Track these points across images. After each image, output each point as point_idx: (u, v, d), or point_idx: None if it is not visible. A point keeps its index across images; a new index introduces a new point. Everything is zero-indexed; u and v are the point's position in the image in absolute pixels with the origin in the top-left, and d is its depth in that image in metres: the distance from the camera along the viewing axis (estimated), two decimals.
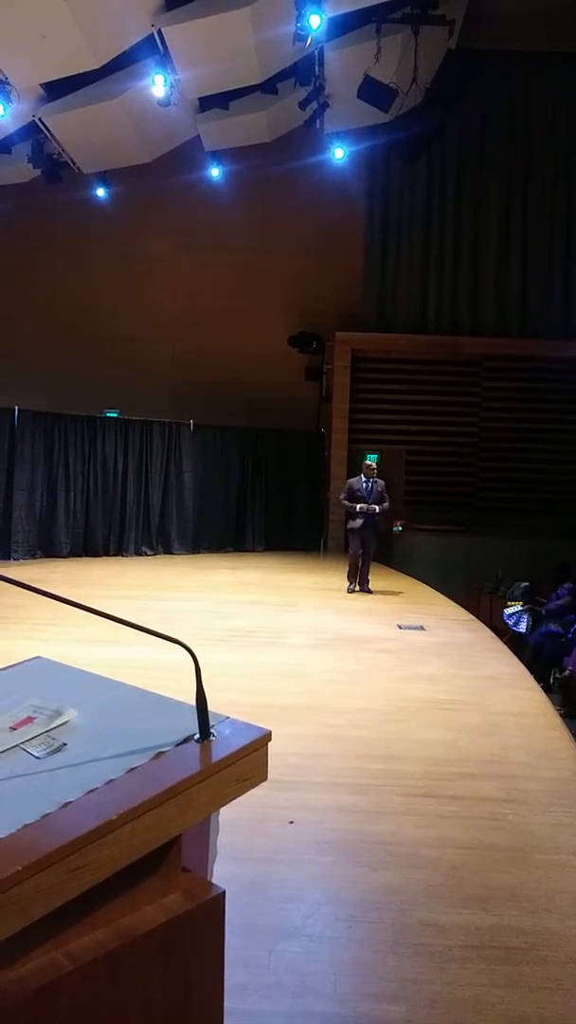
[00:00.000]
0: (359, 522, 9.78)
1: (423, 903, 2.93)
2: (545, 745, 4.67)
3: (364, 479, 9.79)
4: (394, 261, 14.72)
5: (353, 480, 9.95)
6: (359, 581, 9.82)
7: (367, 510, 9.69)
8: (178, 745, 1.61)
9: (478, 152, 14.41)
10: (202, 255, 14.45)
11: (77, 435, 12.32)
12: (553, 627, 9.79)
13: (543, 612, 10.25)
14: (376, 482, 9.80)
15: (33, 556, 11.76)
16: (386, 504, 9.86)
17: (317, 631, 7.61)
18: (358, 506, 9.71)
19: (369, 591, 9.77)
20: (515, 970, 2.56)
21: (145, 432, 12.94)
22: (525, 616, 10.33)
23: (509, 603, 11.63)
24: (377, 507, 9.73)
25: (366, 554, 9.79)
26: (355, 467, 14.14)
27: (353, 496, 9.79)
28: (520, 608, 10.40)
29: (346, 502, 9.90)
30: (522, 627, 10.20)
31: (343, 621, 8.04)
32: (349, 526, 10.09)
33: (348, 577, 9.96)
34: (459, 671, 6.31)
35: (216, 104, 11.73)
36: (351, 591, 9.76)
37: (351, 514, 9.94)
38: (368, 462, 10.00)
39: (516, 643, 9.65)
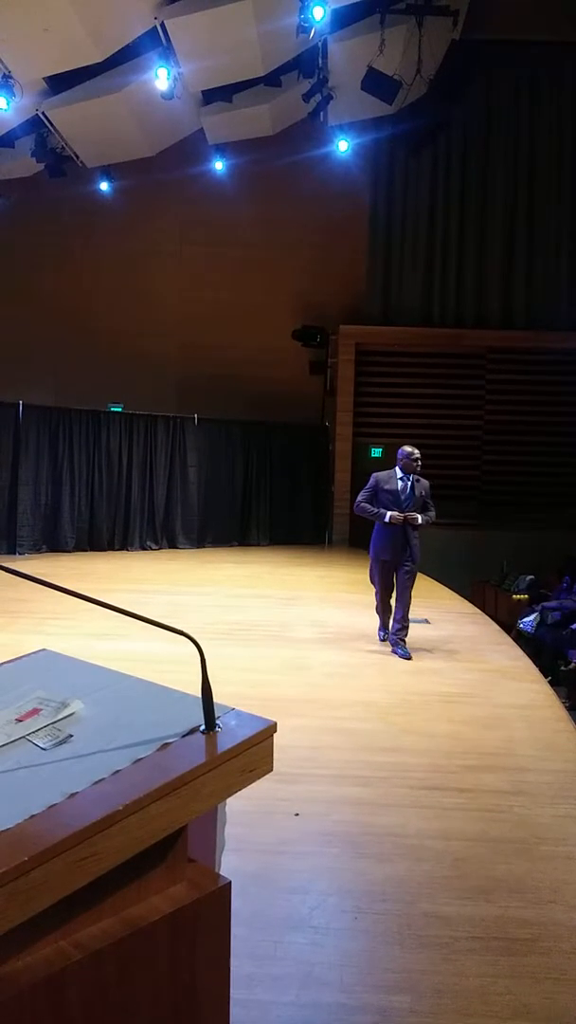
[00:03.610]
0: (387, 542, 6.53)
1: (428, 895, 2.93)
2: (550, 737, 4.67)
3: (400, 474, 6.54)
4: (398, 253, 14.68)
5: (382, 475, 6.61)
6: (395, 622, 6.59)
7: (400, 519, 6.40)
8: (184, 736, 1.62)
9: (482, 143, 14.34)
10: (206, 249, 14.43)
11: (82, 430, 12.33)
12: (555, 612, 9.75)
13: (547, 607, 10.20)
14: (419, 481, 6.56)
15: (38, 551, 11.78)
16: (431, 514, 6.58)
17: (322, 625, 7.62)
18: (388, 514, 6.41)
19: (404, 651, 6.40)
20: (520, 961, 2.57)
21: (150, 426, 12.94)
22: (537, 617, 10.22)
23: (514, 596, 11.63)
24: (419, 516, 6.46)
25: (402, 596, 6.55)
26: (360, 461, 14.15)
27: (377, 498, 6.55)
28: (535, 616, 10.21)
29: (367, 506, 6.55)
30: (531, 628, 10.10)
31: (348, 615, 8.04)
32: (374, 555, 6.71)
33: (380, 627, 6.93)
34: (464, 664, 6.31)
35: (219, 97, 11.71)
36: (383, 638, 6.85)
37: (375, 513, 6.56)
38: (408, 449, 6.53)
39: (522, 638, 9.65)
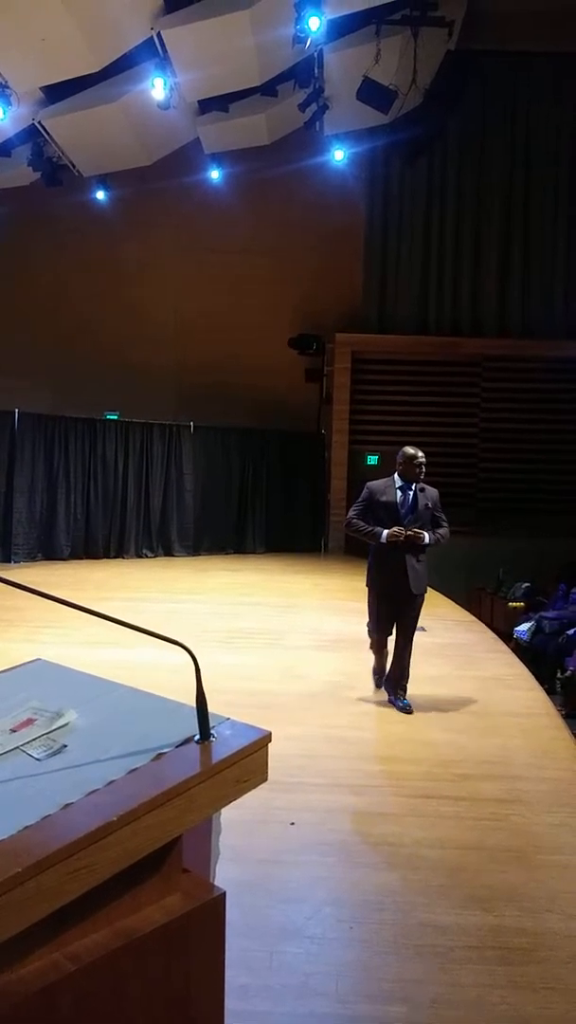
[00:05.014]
0: (382, 568, 5.29)
1: (424, 904, 2.93)
2: (547, 746, 4.67)
3: (400, 482, 5.26)
4: (394, 262, 14.72)
5: (376, 484, 5.36)
6: (391, 678, 5.42)
7: (401, 537, 5.11)
8: (178, 746, 1.61)
9: (478, 153, 14.40)
10: (202, 257, 14.46)
11: (78, 437, 12.33)
12: (552, 621, 9.74)
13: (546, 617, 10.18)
14: (423, 490, 5.28)
15: (33, 559, 11.76)
16: (443, 531, 5.29)
17: (318, 632, 7.61)
18: (384, 532, 5.14)
19: (404, 703, 5.28)
20: (517, 970, 2.56)
21: (146, 434, 12.95)
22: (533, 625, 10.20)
23: (511, 604, 11.63)
24: (426, 535, 5.17)
25: (402, 635, 5.33)
26: (356, 468, 14.15)
27: (372, 510, 5.30)
28: (531, 624, 10.18)
29: (358, 523, 5.29)
30: (526, 636, 10.09)
31: (344, 622, 8.03)
32: (369, 582, 5.42)
33: (374, 669, 5.67)
34: (460, 672, 6.31)
35: (216, 107, 11.74)
36: (378, 684, 5.63)
37: (367, 532, 5.26)
38: (410, 451, 5.23)
39: (519, 647, 9.65)
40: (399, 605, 5.28)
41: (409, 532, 5.12)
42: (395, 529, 5.13)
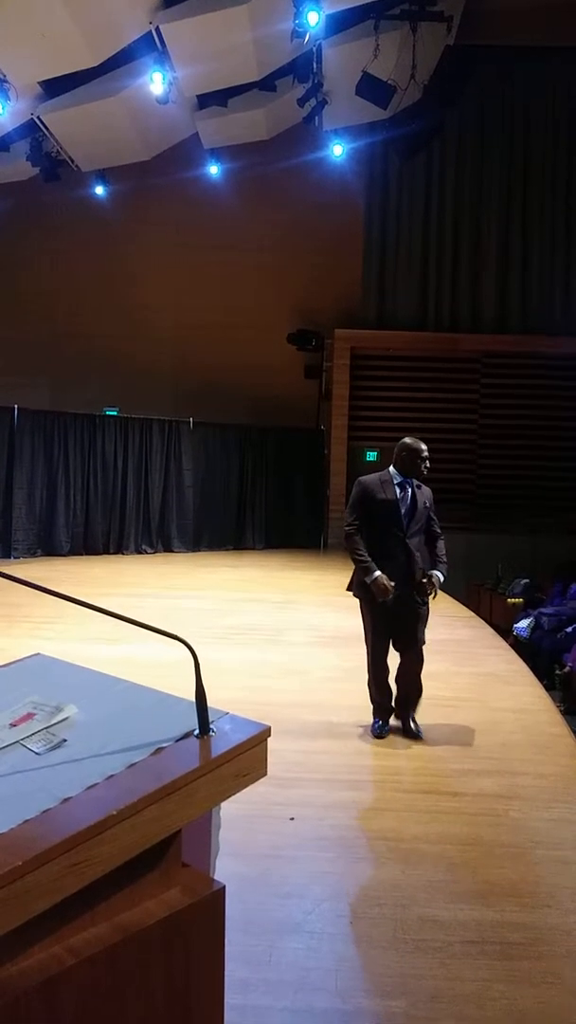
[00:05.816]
0: (386, 568, 4.41)
1: (424, 899, 2.93)
2: (545, 741, 4.67)
3: (399, 477, 4.55)
4: (393, 258, 14.71)
5: (370, 479, 4.59)
6: (400, 699, 4.69)
7: (387, 592, 4.35)
8: (178, 741, 1.61)
9: (477, 148, 14.40)
10: (201, 252, 14.44)
11: (77, 434, 12.33)
12: (552, 618, 9.74)
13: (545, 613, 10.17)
14: (421, 487, 4.63)
15: (33, 555, 11.76)
16: (443, 555, 4.67)
17: (317, 629, 7.62)
18: (376, 574, 4.36)
19: (414, 730, 4.57)
20: (516, 965, 2.56)
21: (145, 430, 12.94)
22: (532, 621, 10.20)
23: (509, 600, 11.63)
24: (437, 573, 4.58)
25: (407, 667, 4.64)
26: (355, 465, 14.14)
27: (365, 507, 4.52)
28: (530, 620, 10.18)
29: (358, 547, 4.47)
30: (525, 632, 10.08)
31: (343, 618, 8.02)
32: (378, 581, 4.38)
33: (374, 705, 4.68)
34: (459, 668, 6.31)
35: (214, 101, 11.73)
36: (379, 733, 4.57)
37: (361, 562, 4.44)
38: (411, 443, 4.53)
39: (518, 643, 9.65)
40: (401, 629, 4.55)
41: (422, 580, 4.46)
42: (384, 581, 4.33)
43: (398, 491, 4.53)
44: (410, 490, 4.56)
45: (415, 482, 4.58)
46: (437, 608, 8.71)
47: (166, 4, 9.16)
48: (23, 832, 1.35)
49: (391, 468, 4.59)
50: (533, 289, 14.58)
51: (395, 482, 4.54)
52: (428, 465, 4.54)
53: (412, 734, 4.55)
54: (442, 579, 4.57)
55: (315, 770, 4.09)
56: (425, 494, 4.63)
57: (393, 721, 4.70)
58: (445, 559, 4.65)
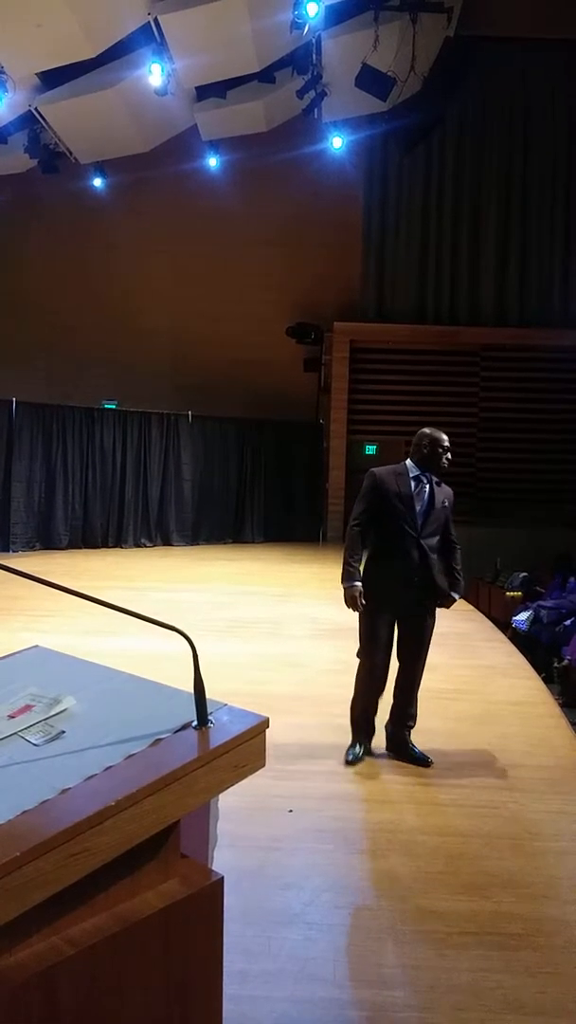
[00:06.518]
0: (391, 577, 4.11)
1: (422, 890, 2.94)
2: (544, 733, 4.68)
3: (415, 471, 4.12)
4: (393, 251, 14.67)
5: (383, 471, 4.15)
6: (391, 721, 4.27)
7: (356, 602, 4.12)
8: (176, 732, 1.61)
9: (477, 140, 14.34)
10: (200, 245, 14.40)
11: (75, 427, 12.32)
12: (551, 611, 9.75)
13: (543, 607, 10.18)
14: (441, 485, 4.18)
15: (32, 548, 11.76)
16: (460, 571, 4.30)
17: (316, 621, 7.62)
18: (356, 585, 4.14)
19: (417, 754, 4.12)
20: (513, 956, 2.57)
21: (144, 423, 12.93)
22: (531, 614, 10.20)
23: (508, 593, 11.64)
24: (453, 594, 4.25)
25: (408, 670, 4.26)
26: (354, 458, 14.13)
27: (376, 502, 4.10)
28: (529, 613, 10.18)
29: (355, 543, 4.19)
30: (524, 626, 10.09)
31: (342, 611, 8.01)
32: (351, 591, 4.14)
33: (354, 728, 4.25)
34: (458, 660, 6.32)
35: (213, 93, 11.68)
36: (353, 759, 4.11)
37: (347, 565, 4.17)
38: (431, 433, 4.14)
39: (517, 636, 9.66)
40: (407, 641, 4.19)
41: (446, 599, 4.15)
42: (359, 601, 4.07)
43: (414, 485, 4.08)
44: (428, 486, 4.09)
45: (434, 478, 4.13)
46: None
47: None
48: (22, 823, 1.35)
49: (408, 461, 4.16)
50: (533, 282, 14.55)
51: (411, 476, 4.10)
52: (450, 457, 4.13)
53: (420, 760, 4.08)
54: (456, 599, 4.26)
55: (314, 762, 4.10)
56: (444, 492, 4.17)
57: (380, 750, 4.23)
58: (459, 584, 4.25)
